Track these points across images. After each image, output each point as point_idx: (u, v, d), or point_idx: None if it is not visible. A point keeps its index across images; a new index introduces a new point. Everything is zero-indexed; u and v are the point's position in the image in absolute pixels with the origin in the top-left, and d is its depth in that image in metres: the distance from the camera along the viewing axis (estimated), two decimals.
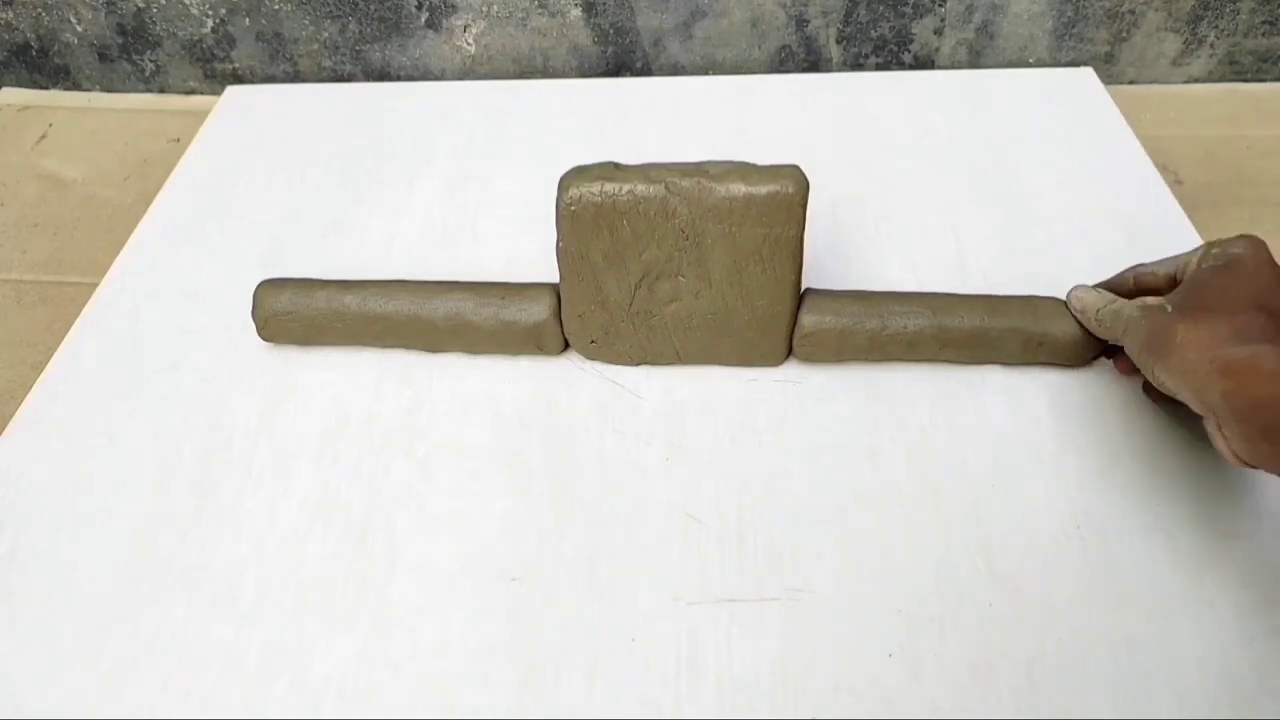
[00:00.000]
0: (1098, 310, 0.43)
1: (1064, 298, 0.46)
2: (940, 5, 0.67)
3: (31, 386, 0.49)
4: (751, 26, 0.69)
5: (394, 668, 0.38)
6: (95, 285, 0.55)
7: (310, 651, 0.38)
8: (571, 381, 0.48)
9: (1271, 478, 0.42)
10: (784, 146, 0.59)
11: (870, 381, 0.47)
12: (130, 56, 0.74)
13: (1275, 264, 0.39)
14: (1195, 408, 0.36)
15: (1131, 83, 0.71)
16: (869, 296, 0.46)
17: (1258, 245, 0.39)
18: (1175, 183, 0.60)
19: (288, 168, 0.63)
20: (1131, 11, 0.66)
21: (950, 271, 0.52)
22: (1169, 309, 0.38)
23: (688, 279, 0.44)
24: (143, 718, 0.37)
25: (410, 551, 0.41)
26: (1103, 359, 0.47)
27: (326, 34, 0.71)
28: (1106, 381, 0.46)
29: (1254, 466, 0.35)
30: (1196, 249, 0.41)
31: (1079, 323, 0.45)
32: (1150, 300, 0.40)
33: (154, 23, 0.71)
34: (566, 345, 0.48)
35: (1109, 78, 0.68)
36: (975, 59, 0.70)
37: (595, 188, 0.41)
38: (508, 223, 0.57)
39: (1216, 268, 0.39)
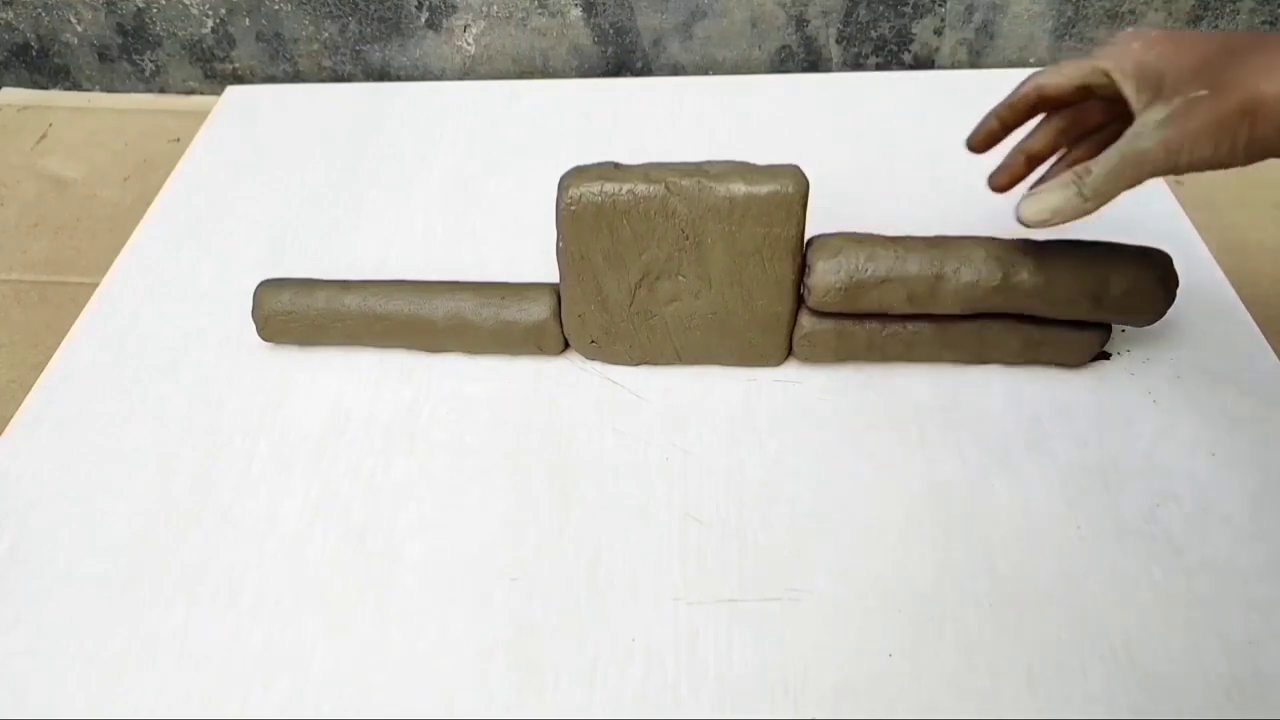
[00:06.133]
0: (1084, 183, 0.37)
1: (1020, 218, 0.39)
2: (940, 5, 0.67)
3: (31, 386, 0.49)
4: (751, 26, 0.69)
5: (394, 668, 0.38)
6: (95, 285, 0.55)
7: (310, 651, 0.38)
8: (571, 381, 0.48)
9: (1272, 486, 0.42)
10: (784, 146, 0.59)
11: (870, 381, 0.47)
12: (130, 56, 0.74)
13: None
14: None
15: None
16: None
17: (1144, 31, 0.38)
18: (1175, 183, 0.60)
19: (288, 168, 0.63)
20: (1131, 11, 0.66)
21: None
22: (1203, 93, 0.33)
23: (688, 279, 0.44)
24: (143, 718, 0.37)
25: (410, 551, 0.41)
26: (1102, 359, 0.47)
27: (326, 34, 0.71)
28: (1106, 381, 0.46)
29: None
30: (1099, 54, 0.38)
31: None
32: (1150, 114, 0.35)
33: (154, 23, 0.71)
34: (566, 345, 0.48)
35: None
36: (975, 59, 0.70)
37: (595, 188, 0.41)
38: (508, 223, 0.57)
39: (1172, 38, 0.36)
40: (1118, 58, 0.37)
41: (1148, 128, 0.35)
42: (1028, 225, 0.39)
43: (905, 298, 0.42)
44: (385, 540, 0.42)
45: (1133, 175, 0.36)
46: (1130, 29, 0.38)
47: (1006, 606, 0.38)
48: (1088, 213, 0.38)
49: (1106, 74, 0.38)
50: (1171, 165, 0.35)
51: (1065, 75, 0.40)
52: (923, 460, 0.43)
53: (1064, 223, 0.39)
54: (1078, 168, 0.37)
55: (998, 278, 0.42)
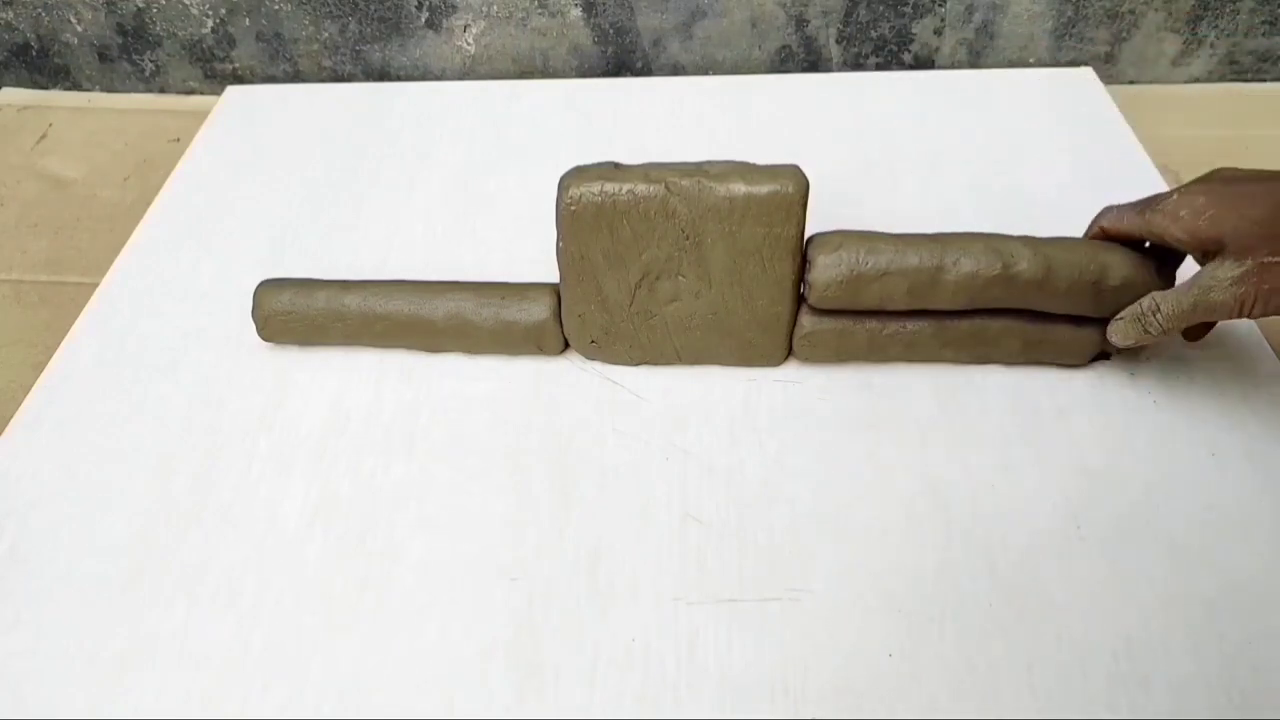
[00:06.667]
0: (1162, 315, 0.40)
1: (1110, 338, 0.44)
2: (940, 5, 0.67)
3: (31, 387, 0.49)
4: (751, 26, 0.69)
5: (394, 668, 0.38)
6: (95, 285, 0.55)
7: (310, 651, 0.38)
8: (571, 381, 0.48)
9: (1273, 481, 0.42)
10: (784, 146, 0.59)
11: (870, 381, 0.47)
12: (130, 56, 0.74)
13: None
14: None
15: (1131, 83, 0.71)
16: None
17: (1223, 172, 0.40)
18: (1175, 183, 0.60)
19: (288, 168, 0.63)
20: (1131, 11, 0.66)
21: None
22: (1277, 260, 0.36)
23: (688, 279, 0.44)
24: (143, 718, 0.37)
25: (410, 551, 0.41)
26: (1102, 359, 0.47)
27: (326, 34, 0.71)
28: (1106, 381, 0.46)
29: None
30: (1150, 215, 0.41)
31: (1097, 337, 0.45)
32: (1223, 271, 0.37)
33: (154, 23, 0.71)
34: (566, 345, 0.48)
35: (1109, 78, 0.68)
36: (975, 59, 0.70)
37: (595, 188, 0.41)
38: (508, 223, 0.57)
39: (1219, 198, 0.38)
40: (1168, 227, 0.40)
41: (1220, 282, 0.38)
42: (1118, 346, 0.44)
43: (906, 290, 0.42)
44: (385, 540, 0.42)
45: (1201, 318, 0.39)
46: (1176, 193, 0.40)
47: (1006, 606, 0.38)
48: (1161, 340, 0.42)
49: (1160, 236, 0.40)
50: (1241, 314, 0.38)
51: (1125, 224, 0.43)
52: (923, 460, 0.43)
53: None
54: (1148, 306, 0.41)
55: (997, 267, 0.42)
